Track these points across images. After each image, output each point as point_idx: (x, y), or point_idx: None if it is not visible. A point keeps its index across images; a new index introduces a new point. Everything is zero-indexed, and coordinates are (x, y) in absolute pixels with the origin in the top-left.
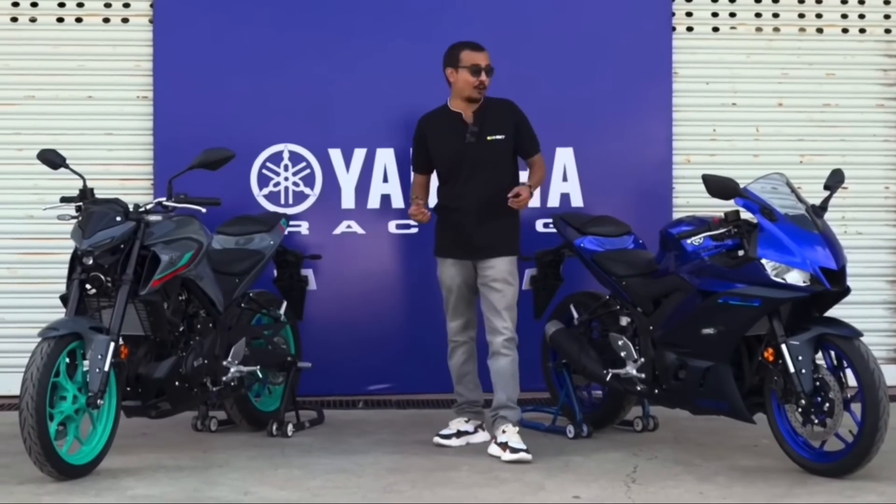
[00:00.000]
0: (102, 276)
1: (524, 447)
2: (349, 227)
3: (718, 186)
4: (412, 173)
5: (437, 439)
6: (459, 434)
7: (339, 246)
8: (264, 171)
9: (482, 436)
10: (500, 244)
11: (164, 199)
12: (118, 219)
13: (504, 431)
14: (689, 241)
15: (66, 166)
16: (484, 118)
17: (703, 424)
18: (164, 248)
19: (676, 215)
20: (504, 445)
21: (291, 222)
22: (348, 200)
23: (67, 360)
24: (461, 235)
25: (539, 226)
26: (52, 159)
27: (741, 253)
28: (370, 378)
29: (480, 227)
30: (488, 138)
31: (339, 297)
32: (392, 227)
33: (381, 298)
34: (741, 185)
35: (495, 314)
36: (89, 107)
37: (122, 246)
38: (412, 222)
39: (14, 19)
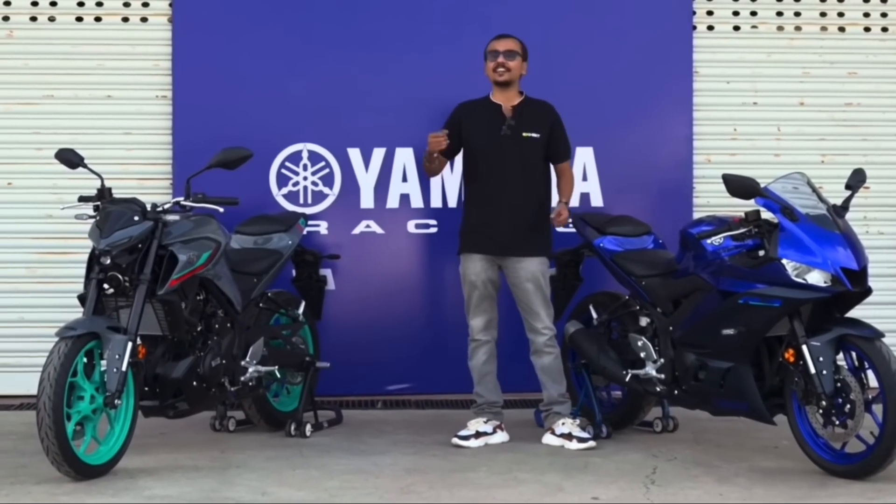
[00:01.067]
0: (120, 276)
1: (589, 435)
2: (368, 226)
3: (738, 186)
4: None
5: (455, 440)
6: (478, 435)
7: (359, 246)
8: (283, 170)
9: (501, 436)
10: (533, 243)
11: (181, 198)
12: (136, 218)
13: (563, 423)
14: (709, 241)
15: (84, 165)
16: (522, 114)
17: (724, 425)
18: (182, 247)
19: (697, 215)
20: (568, 436)
21: (311, 222)
22: (367, 200)
23: (85, 359)
24: (491, 230)
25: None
26: (70, 159)
27: (762, 253)
28: (389, 378)
29: (512, 224)
30: (524, 134)
31: (359, 298)
32: (411, 226)
33: (400, 298)
34: (762, 185)
35: (532, 314)
36: (108, 106)
37: (139, 245)
38: (432, 221)
39: (33, 18)
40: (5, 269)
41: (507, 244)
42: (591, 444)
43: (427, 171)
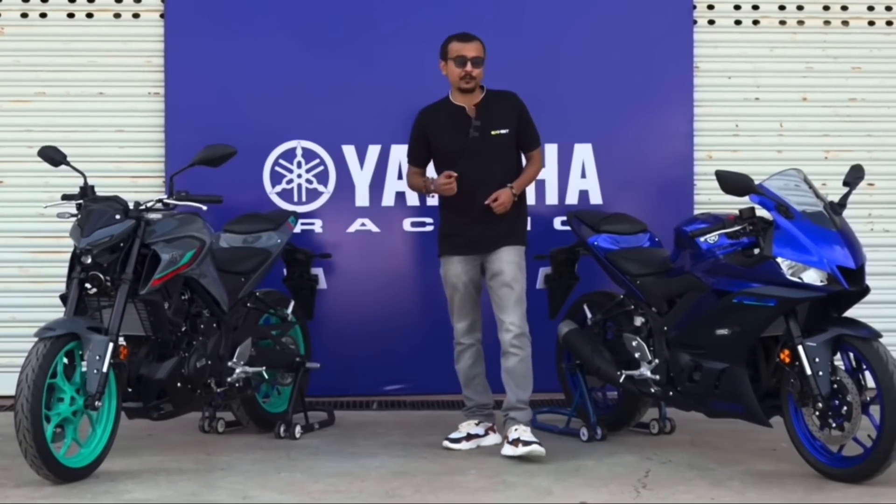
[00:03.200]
0: (101, 276)
1: (536, 440)
2: (363, 224)
3: (732, 183)
4: (407, 165)
5: (446, 443)
6: (469, 437)
7: (354, 244)
8: (277, 168)
9: (493, 438)
10: (507, 235)
11: (164, 196)
12: (117, 217)
13: (516, 429)
14: (703, 239)
15: (67, 163)
16: (487, 112)
17: (722, 427)
18: (165, 246)
19: (698, 212)
20: (516, 441)
21: (305, 220)
22: (362, 198)
23: (66, 360)
24: (468, 232)
25: (557, 223)
26: (52, 156)
27: (757, 251)
28: (385, 378)
29: (487, 223)
30: (492, 133)
31: (354, 297)
32: (407, 224)
33: (396, 297)
34: (757, 182)
35: (503, 310)
36: (100, 103)
37: (121, 244)
38: (428, 220)
39: (24, 15)
40: None
41: (484, 242)
42: (538, 448)
43: (418, 192)
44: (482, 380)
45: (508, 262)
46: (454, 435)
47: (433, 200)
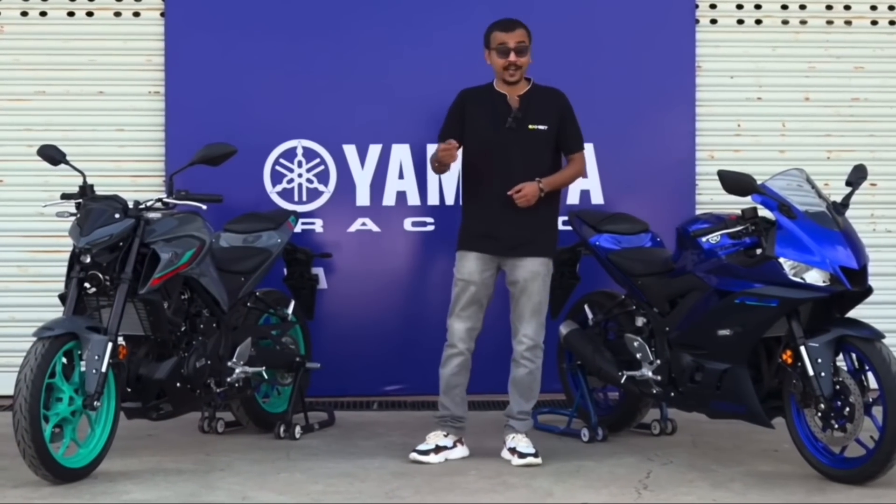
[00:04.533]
0: (101, 275)
1: (533, 451)
2: (364, 224)
3: (734, 183)
4: (437, 144)
5: (414, 455)
6: (438, 449)
7: (354, 244)
8: (277, 167)
9: (461, 451)
10: (535, 242)
11: (164, 195)
12: (117, 216)
13: (513, 437)
14: (705, 239)
15: (67, 162)
16: (529, 104)
17: (724, 428)
18: (165, 245)
19: (700, 212)
20: (513, 451)
21: (306, 220)
22: (363, 197)
23: (64, 360)
24: (492, 228)
25: (558, 223)
26: (52, 155)
27: (759, 251)
28: (385, 379)
29: (514, 222)
30: (530, 127)
31: (355, 296)
32: (408, 224)
33: (396, 298)
34: (760, 182)
35: (520, 319)
36: (100, 102)
37: (121, 244)
38: (429, 219)
39: (24, 13)
40: None
41: (510, 245)
42: (534, 461)
43: (436, 170)
44: (462, 391)
45: (531, 271)
46: (422, 447)
47: (434, 200)
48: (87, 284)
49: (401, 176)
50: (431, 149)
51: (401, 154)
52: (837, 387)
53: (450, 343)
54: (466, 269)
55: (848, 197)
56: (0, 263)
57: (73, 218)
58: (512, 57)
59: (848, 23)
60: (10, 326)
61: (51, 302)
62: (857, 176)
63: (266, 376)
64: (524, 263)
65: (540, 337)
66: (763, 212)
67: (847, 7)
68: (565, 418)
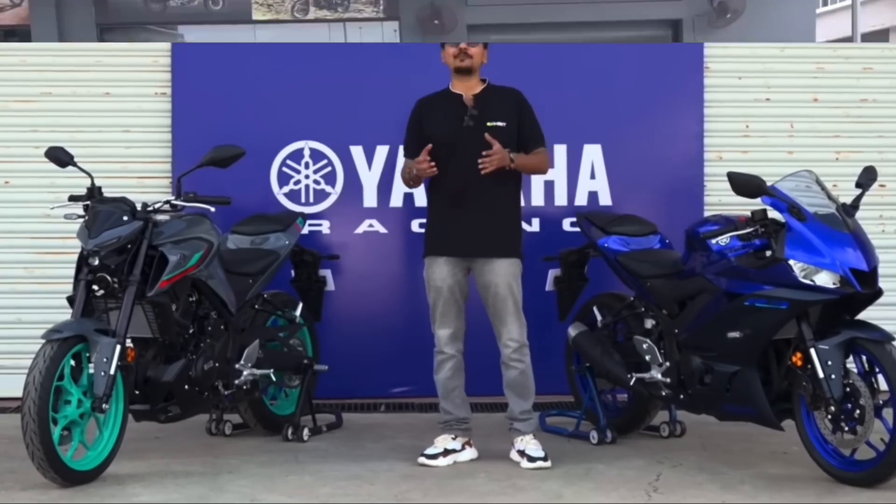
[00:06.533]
0: (109, 277)
1: (542, 454)
2: (371, 226)
3: (744, 184)
4: (403, 159)
5: (422, 459)
6: (446, 453)
7: (361, 245)
8: (284, 169)
9: (470, 452)
10: (501, 243)
11: (173, 197)
12: (125, 218)
13: (521, 440)
14: (714, 241)
15: (74, 164)
16: (485, 103)
17: (733, 430)
18: (173, 247)
19: (708, 214)
20: (522, 453)
21: (313, 221)
22: (370, 199)
23: (73, 363)
24: (457, 230)
25: (566, 225)
26: (59, 157)
27: (768, 253)
28: (393, 381)
29: (479, 222)
30: (488, 124)
31: (362, 298)
32: (415, 226)
33: (404, 299)
34: (769, 183)
35: (502, 323)
36: (107, 104)
37: (129, 246)
38: None
39: None
40: (2, 269)
41: (474, 244)
42: (544, 464)
43: (407, 184)
44: (461, 392)
45: (503, 275)
46: (430, 451)
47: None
48: (95, 287)
49: None
50: None
51: None
52: (847, 389)
53: (438, 349)
54: (436, 275)
55: (858, 199)
56: (7, 265)
57: (80, 220)
58: (462, 44)
59: None
60: (18, 328)
61: (58, 304)
62: (867, 178)
63: (274, 378)
64: (493, 267)
65: (524, 336)
66: (772, 213)
67: None
68: (574, 420)
